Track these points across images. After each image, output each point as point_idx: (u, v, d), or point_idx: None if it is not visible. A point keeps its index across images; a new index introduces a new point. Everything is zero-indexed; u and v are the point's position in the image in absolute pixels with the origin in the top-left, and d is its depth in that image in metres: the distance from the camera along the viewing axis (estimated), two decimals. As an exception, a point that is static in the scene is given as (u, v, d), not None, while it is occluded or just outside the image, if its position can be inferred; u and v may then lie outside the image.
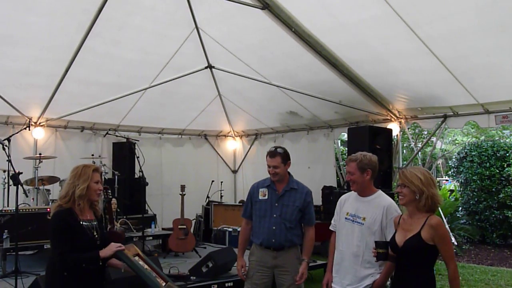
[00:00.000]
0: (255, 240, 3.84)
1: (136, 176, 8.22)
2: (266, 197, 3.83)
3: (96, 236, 3.00)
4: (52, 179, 7.17)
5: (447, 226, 8.21)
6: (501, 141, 12.08)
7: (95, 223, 3.05)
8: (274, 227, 3.73)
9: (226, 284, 5.19)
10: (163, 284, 2.99)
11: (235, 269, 5.55)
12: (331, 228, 3.53)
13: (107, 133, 8.19)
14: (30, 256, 6.57)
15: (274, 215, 3.76)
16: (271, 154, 3.81)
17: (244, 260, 3.92)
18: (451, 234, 8.29)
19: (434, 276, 2.76)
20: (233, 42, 6.55)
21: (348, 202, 3.41)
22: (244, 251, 4.01)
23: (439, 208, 7.43)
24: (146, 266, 3.04)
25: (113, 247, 2.91)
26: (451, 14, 4.56)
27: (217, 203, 8.76)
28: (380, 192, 3.35)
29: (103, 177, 7.26)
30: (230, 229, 7.75)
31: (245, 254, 4.03)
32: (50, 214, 3.01)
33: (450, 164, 13.78)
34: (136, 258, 3.04)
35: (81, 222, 2.94)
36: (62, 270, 2.86)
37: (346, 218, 3.33)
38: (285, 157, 3.84)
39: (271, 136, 9.78)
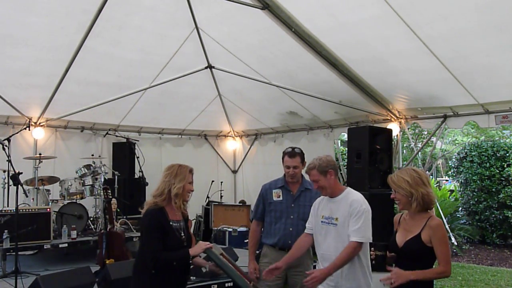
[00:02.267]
0: (268, 241, 3.80)
1: (136, 176, 8.21)
2: (281, 198, 3.79)
3: (183, 237, 3.04)
4: (52, 179, 7.17)
5: (447, 226, 8.22)
6: (501, 141, 12.08)
7: (182, 223, 3.10)
8: (291, 228, 3.71)
9: (226, 284, 5.19)
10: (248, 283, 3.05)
11: (235, 269, 5.54)
12: (306, 231, 3.45)
13: (107, 133, 8.19)
14: (30, 256, 6.58)
15: (291, 217, 3.73)
16: (291, 154, 3.76)
17: (256, 263, 3.86)
18: (451, 234, 8.32)
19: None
20: (233, 42, 6.55)
21: (322, 204, 3.38)
22: (255, 253, 3.95)
23: (439, 209, 7.44)
24: (230, 266, 3.10)
25: (203, 245, 2.98)
26: (451, 14, 4.56)
27: (217, 203, 8.75)
28: (348, 189, 3.33)
29: (103, 177, 7.28)
30: (230, 229, 7.75)
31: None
32: (143, 210, 3.04)
33: (450, 164, 13.80)
34: (221, 257, 3.09)
35: (171, 223, 2.98)
36: (150, 268, 2.89)
37: (322, 222, 3.30)
38: (303, 157, 3.82)
39: (271, 136, 9.77)
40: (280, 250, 3.73)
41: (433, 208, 2.87)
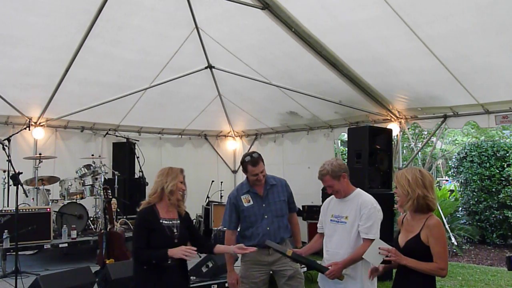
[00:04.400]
0: (248, 243, 3.79)
1: (136, 176, 8.21)
2: (251, 202, 3.85)
3: (176, 233, 3.14)
4: (52, 179, 7.17)
5: (447, 226, 8.21)
6: (501, 141, 12.08)
7: (177, 222, 3.20)
8: (268, 228, 3.80)
9: (226, 284, 5.18)
10: None
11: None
12: (318, 231, 3.57)
13: (107, 133, 8.19)
14: (30, 256, 6.58)
15: (266, 216, 3.81)
16: (254, 162, 3.75)
17: (236, 273, 3.88)
18: (451, 234, 8.31)
19: (435, 277, 2.75)
20: (233, 42, 6.55)
21: (331, 204, 3.48)
22: (234, 263, 3.98)
23: (439, 209, 7.44)
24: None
25: (183, 249, 3.00)
26: (451, 14, 4.57)
27: (217, 203, 8.74)
28: (358, 190, 3.42)
29: (103, 177, 7.29)
30: (230, 229, 7.73)
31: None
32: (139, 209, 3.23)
33: (450, 164, 13.79)
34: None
35: (161, 221, 3.12)
36: (141, 263, 3.08)
37: (331, 220, 3.40)
38: (263, 159, 3.85)
39: (271, 136, 9.77)
40: (260, 249, 3.75)
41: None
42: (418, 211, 2.76)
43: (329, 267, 3.10)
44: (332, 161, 3.34)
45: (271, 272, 3.85)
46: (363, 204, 3.25)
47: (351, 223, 3.26)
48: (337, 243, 3.30)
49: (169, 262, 3.02)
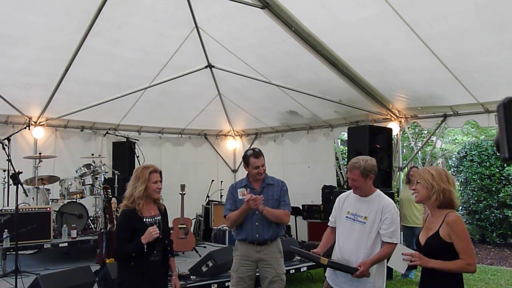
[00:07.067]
0: (239, 236, 3.94)
1: (136, 176, 8.19)
2: (246, 196, 3.91)
3: (159, 229, 3.24)
4: (52, 179, 7.17)
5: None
6: (501, 140, 12.06)
7: (158, 217, 3.35)
8: (257, 223, 3.85)
9: (226, 284, 5.18)
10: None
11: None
12: (329, 224, 3.58)
13: (107, 133, 8.19)
14: (30, 255, 6.59)
15: (256, 212, 3.85)
16: (256, 155, 3.93)
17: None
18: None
19: (461, 275, 2.74)
20: (233, 41, 6.55)
21: (348, 201, 3.45)
22: None
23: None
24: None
25: (151, 230, 3.13)
26: (451, 13, 4.57)
27: (217, 202, 8.75)
28: (378, 191, 3.40)
29: (103, 176, 7.29)
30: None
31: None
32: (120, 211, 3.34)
33: (450, 163, 13.77)
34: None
35: (144, 219, 3.22)
36: (124, 260, 3.20)
37: (346, 217, 3.38)
38: (263, 155, 3.99)
39: (271, 136, 9.77)
40: (249, 244, 3.87)
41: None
42: (443, 206, 2.74)
43: (359, 268, 3.11)
44: (368, 159, 3.33)
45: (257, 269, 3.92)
46: (386, 208, 3.25)
47: (370, 224, 3.25)
48: (355, 243, 3.28)
49: (145, 250, 3.12)
